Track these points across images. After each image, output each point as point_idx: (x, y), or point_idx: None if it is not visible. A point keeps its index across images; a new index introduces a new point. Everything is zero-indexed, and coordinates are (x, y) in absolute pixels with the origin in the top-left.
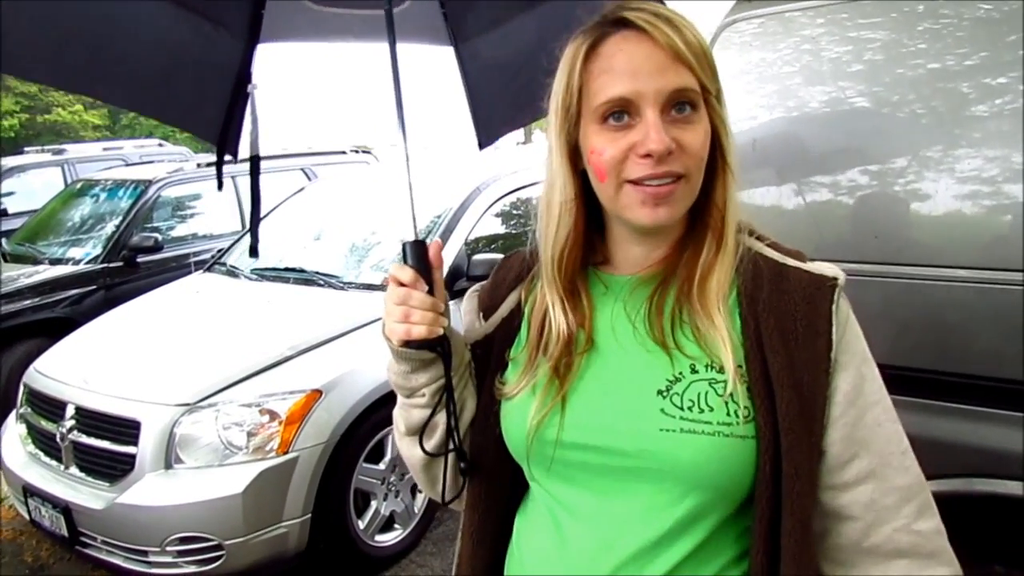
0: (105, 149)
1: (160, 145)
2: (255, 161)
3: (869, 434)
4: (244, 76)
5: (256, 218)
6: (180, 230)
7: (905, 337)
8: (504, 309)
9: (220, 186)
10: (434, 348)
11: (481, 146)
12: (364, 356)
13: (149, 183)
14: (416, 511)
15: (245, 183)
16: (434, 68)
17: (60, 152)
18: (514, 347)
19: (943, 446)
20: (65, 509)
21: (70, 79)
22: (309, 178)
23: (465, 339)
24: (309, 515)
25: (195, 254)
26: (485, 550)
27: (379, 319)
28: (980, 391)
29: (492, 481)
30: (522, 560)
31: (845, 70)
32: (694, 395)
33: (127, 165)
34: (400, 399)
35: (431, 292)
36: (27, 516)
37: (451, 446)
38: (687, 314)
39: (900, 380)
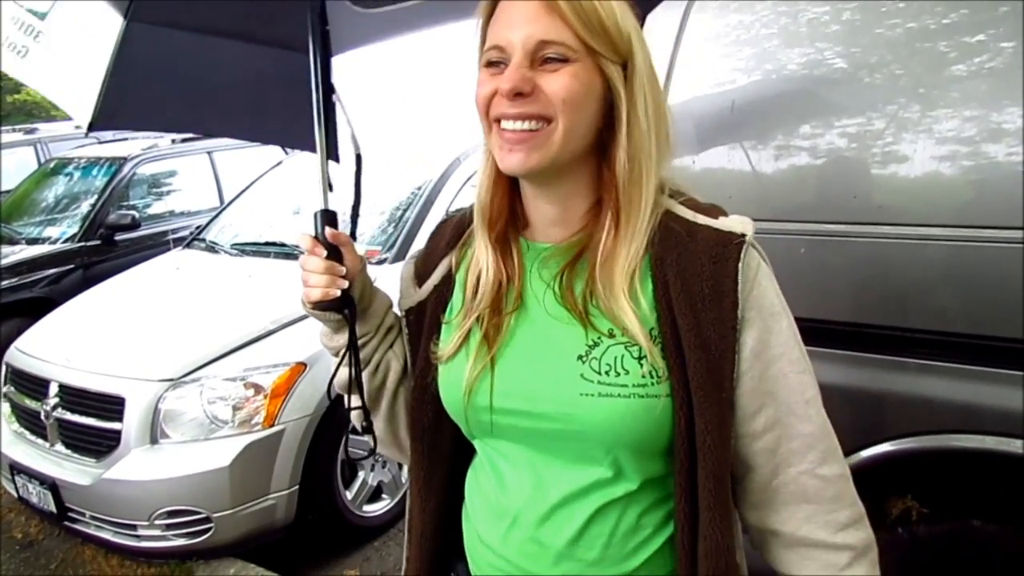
0: (77, 127)
1: None
2: (359, 159)
3: (774, 386)
4: (327, 88)
5: (357, 210)
6: (157, 207)
7: (887, 296)
8: (437, 275)
9: (330, 188)
10: (339, 310)
11: None
12: None
13: (124, 160)
14: (403, 481)
15: (221, 158)
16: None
17: (32, 131)
18: (447, 312)
19: (924, 402)
20: (52, 486)
21: (178, 123)
22: (286, 152)
23: (401, 305)
24: (296, 487)
25: (173, 231)
26: (433, 504)
27: None
28: (959, 348)
29: (432, 439)
30: (474, 512)
31: (823, 31)
32: (611, 359)
33: (101, 143)
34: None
35: (333, 258)
36: (15, 493)
37: (358, 403)
38: (595, 289)
39: (893, 339)
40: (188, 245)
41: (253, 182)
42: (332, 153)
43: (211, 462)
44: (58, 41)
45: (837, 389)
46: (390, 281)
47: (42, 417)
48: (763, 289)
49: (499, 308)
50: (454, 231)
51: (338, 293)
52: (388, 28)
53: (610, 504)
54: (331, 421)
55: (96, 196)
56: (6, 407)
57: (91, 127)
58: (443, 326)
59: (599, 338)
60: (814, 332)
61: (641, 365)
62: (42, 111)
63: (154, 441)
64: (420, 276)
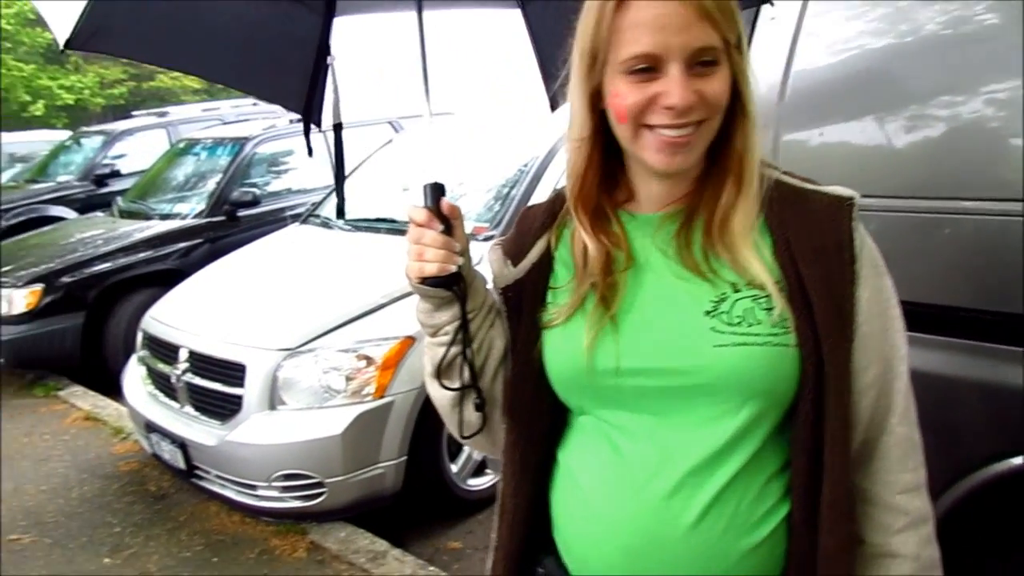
0: (204, 110)
1: (254, 104)
2: (338, 129)
3: (880, 342)
4: (324, 49)
5: (340, 181)
6: (275, 185)
7: None
8: (534, 254)
9: (310, 153)
10: (449, 286)
11: (554, 108)
12: None
13: (245, 140)
14: None
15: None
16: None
17: (164, 115)
18: (552, 282)
19: None
20: (182, 444)
21: (163, 56)
22: (396, 131)
23: (496, 284)
24: (404, 457)
25: (290, 207)
26: (528, 487)
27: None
28: None
29: (531, 417)
30: (579, 488)
31: None
32: (740, 311)
33: (224, 124)
34: (426, 340)
35: (448, 232)
36: (149, 450)
37: (467, 383)
38: (716, 248)
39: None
40: (304, 221)
41: (364, 160)
42: (314, 117)
43: (325, 430)
44: None
45: (978, 386)
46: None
47: (173, 381)
48: (871, 249)
49: (610, 270)
50: (546, 213)
51: (454, 268)
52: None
53: (739, 472)
54: None
55: (220, 175)
56: (142, 370)
57: (67, 44)
58: (549, 293)
59: (724, 293)
60: (964, 323)
61: (770, 315)
62: (174, 96)
63: (272, 407)
64: (513, 257)
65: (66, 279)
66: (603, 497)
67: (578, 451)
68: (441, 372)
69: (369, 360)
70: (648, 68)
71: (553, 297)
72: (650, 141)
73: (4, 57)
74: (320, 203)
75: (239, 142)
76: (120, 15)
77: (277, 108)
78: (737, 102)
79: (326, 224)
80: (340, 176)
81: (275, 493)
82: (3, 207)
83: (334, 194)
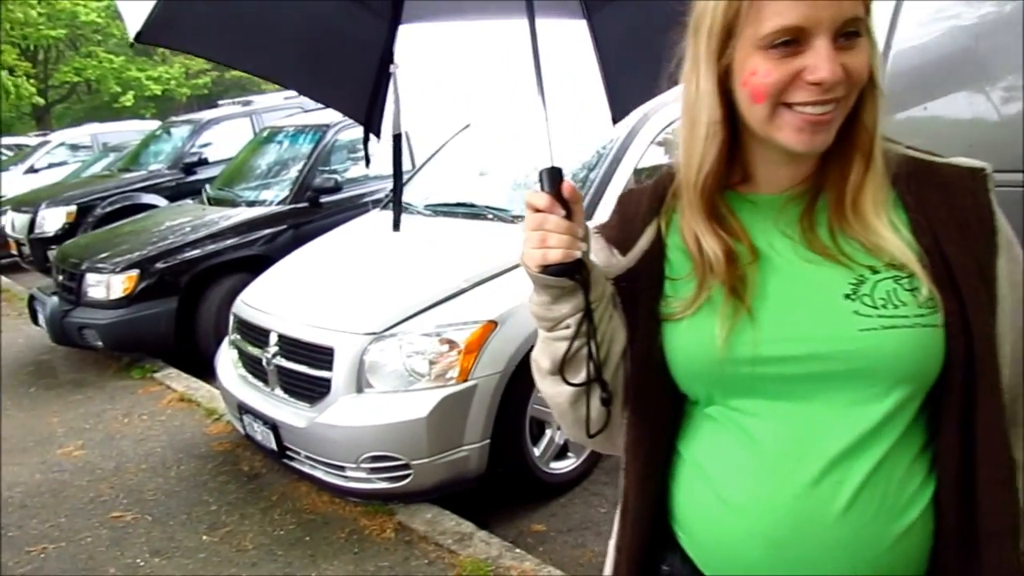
0: (286, 98)
1: None
2: (397, 140)
3: (1017, 315)
4: (387, 56)
5: (398, 192)
6: (355, 171)
7: None
8: (644, 241)
9: (368, 163)
10: (572, 274)
11: (615, 121)
12: None
13: (327, 127)
14: None
15: (412, 129)
16: (559, 45)
17: (248, 103)
18: (668, 271)
19: None
20: (273, 426)
21: (228, 55)
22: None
23: (606, 273)
24: (488, 440)
25: (370, 193)
26: (653, 484)
27: None
28: None
29: (654, 411)
30: (711, 478)
31: None
32: (883, 293)
33: (305, 112)
34: (542, 335)
35: (568, 218)
36: (242, 431)
37: (593, 375)
38: (846, 229)
39: None
40: (385, 207)
41: (443, 145)
42: (374, 127)
43: (410, 412)
44: None
45: None
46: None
47: (264, 363)
48: (1003, 221)
49: (734, 261)
50: (652, 197)
51: (579, 255)
52: (468, 9)
53: (887, 454)
54: (520, 379)
55: (303, 162)
56: (234, 353)
57: (138, 37)
58: (667, 284)
59: (863, 275)
60: None
61: (915, 296)
62: (255, 85)
63: (359, 390)
64: (619, 245)
65: (160, 265)
66: (739, 487)
67: (706, 442)
68: (564, 367)
69: (452, 344)
70: (791, 41)
71: (673, 289)
72: (789, 120)
73: (95, 49)
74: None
75: (321, 129)
76: (189, 12)
77: None
78: (871, 75)
79: (407, 209)
80: (398, 187)
81: (363, 474)
82: (99, 195)
83: (415, 176)
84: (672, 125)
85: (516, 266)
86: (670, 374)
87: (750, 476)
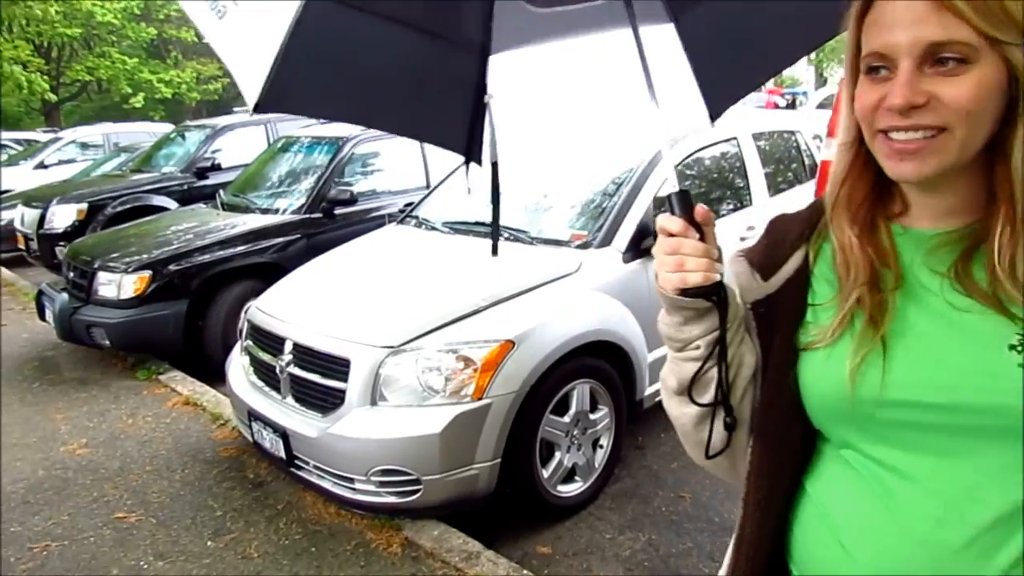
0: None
1: None
2: (494, 167)
3: None
4: (481, 88)
5: (496, 219)
6: (370, 184)
7: None
8: (789, 268)
9: (470, 192)
10: (710, 296)
11: (712, 119)
12: (553, 311)
13: (344, 140)
14: (596, 466)
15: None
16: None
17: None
18: (811, 299)
19: None
20: (283, 434)
21: (337, 112)
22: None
23: (744, 298)
24: (499, 460)
25: (384, 207)
26: (773, 517)
27: (566, 276)
28: None
29: (782, 443)
30: (834, 528)
31: None
32: None
33: (321, 123)
34: (671, 355)
35: (701, 240)
36: (250, 438)
37: (719, 399)
38: (1006, 285)
39: None
40: (401, 221)
41: (461, 164)
42: (474, 156)
43: (424, 428)
44: (247, 9)
45: None
46: (600, 265)
47: (277, 371)
48: None
49: (878, 287)
50: (803, 224)
51: (718, 277)
52: (553, 30)
53: None
54: (533, 400)
55: (319, 172)
56: (246, 359)
57: (256, 108)
58: (809, 310)
59: None
60: None
61: None
62: None
63: (373, 403)
64: (762, 269)
65: (172, 267)
66: (868, 541)
67: (835, 486)
68: (691, 388)
69: (469, 362)
70: (882, 67)
71: (814, 316)
72: (881, 147)
73: (109, 49)
74: (417, 204)
75: (338, 141)
76: (297, 80)
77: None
78: (1015, 109)
79: (424, 225)
80: (496, 214)
81: (372, 487)
82: (110, 195)
83: (432, 194)
84: (694, 155)
85: (534, 287)
86: (803, 407)
87: (881, 532)
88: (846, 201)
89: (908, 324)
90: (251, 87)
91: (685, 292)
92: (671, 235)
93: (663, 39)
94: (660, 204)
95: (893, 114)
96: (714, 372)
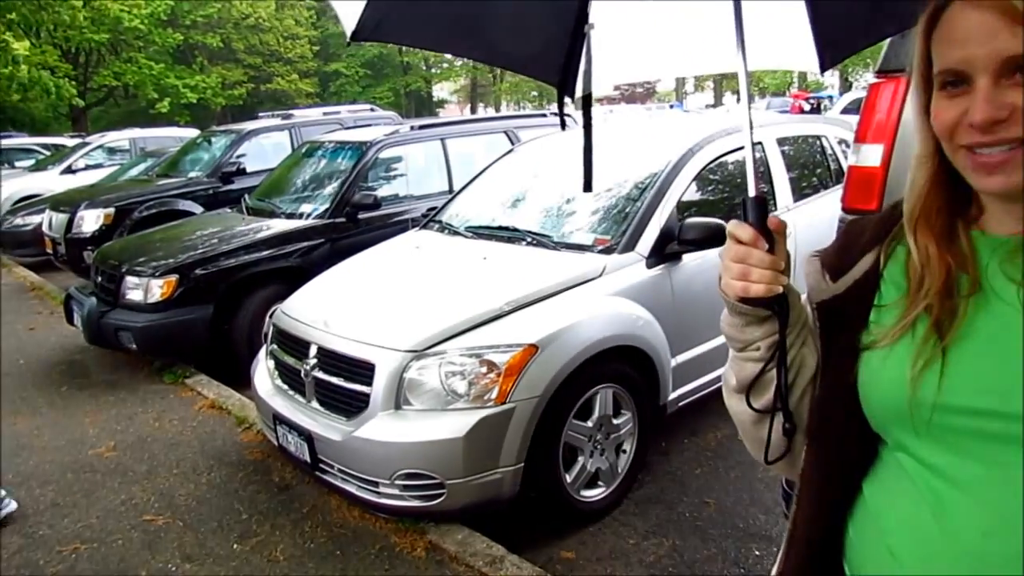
0: (325, 114)
1: (372, 110)
2: (587, 100)
3: None
4: (582, 16)
5: (589, 154)
6: (394, 189)
7: None
8: (858, 270)
9: (563, 126)
10: (771, 306)
11: (823, 69)
12: (576, 316)
13: (369, 145)
14: (620, 471)
15: (452, 146)
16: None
17: (288, 117)
18: (877, 299)
19: None
20: (308, 438)
21: (435, 41)
22: (512, 141)
23: (811, 298)
24: (522, 464)
25: (407, 211)
26: (825, 516)
27: (589, 280)
28: None
29: (838, 444)
30: (884, 531)
31: None
32: None
33: (344, 128)
34: (732, 353)
35: (771, 251)
36: (275, 441)
37: (778, 405)
38: None
39: None
40: (424, 226)
41: (486, 168)
42: (568, 88)
43: (448, 432)
44: None
45: None
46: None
47: (302, 375)
48: None
49: (951, 293)
50: (877, 227)
51: (780, 290)
52: None
53: None
54: (556, 404)
55: (343, 177)
56: (271, 363)
57: (353, 36)
58: (874, 311)
59: None
60: None
61: None
62: (288, 99)
63: (398, 407)
64: (833, 271)
65: (199, 271)
66: (916, 548)
67: (886, 489)
68: (750, 388)
69: (492, 366)
70: (958, 82)
71: (877, 316)
72: (964, 161)
73: (135, 55)
74: (441, 208)
75: (362, 146)
76: (397, 6)
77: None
78: None
79: (447, 229)
80: (588, 148)
81: (396, 491)
82: (137, 199)
83: (457, 197)
84: (719, 160)
85: (557, 291)
86: (861, 409)
87: (928, 539)
88: (926, 212)
89: (975, 329)
90: (350, 15)
91: (746, 300)
92: (740, 243)
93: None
94: (683, 209)
95: (975, 131)
96: (773, 374)
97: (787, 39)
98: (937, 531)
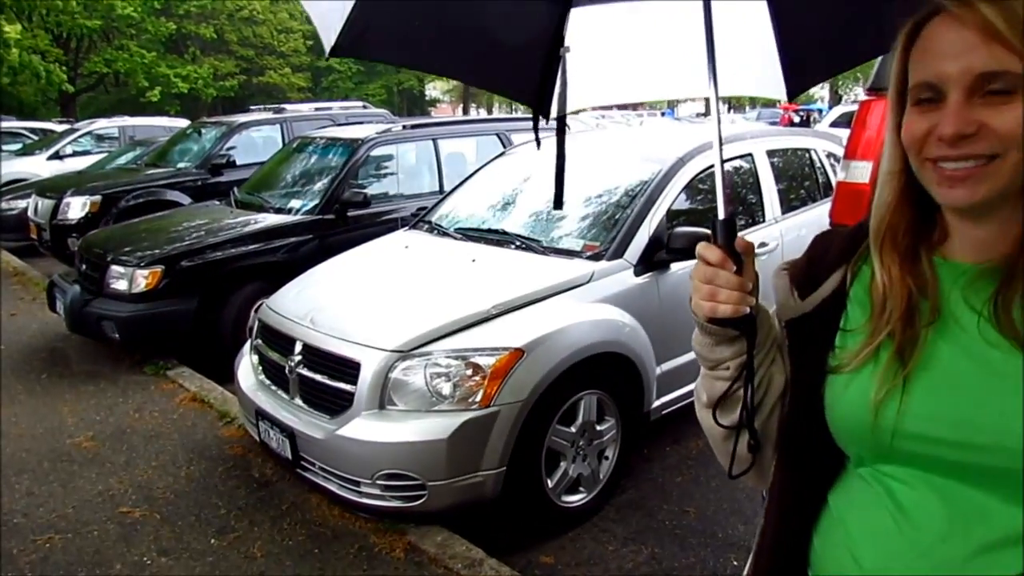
0: (316, 109)
1: (364, 107)
2: (560, 121)
3: None
4: (558, 40)
5: (561, 175)
6: (384, 187)
7: None
8: (826, 288)
9: (538, 145)
10: (739, 326)
11: (790, 97)
12: (563, 321)
13: (360, 142)
14: (601, 477)
15: (445, 146)
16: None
17: (280, 111)
18: (843, 321)
19: None
20: (291, 434)
21: (413, 60)
22: (503, 143)
23: (779, 315)
24: (504, 468)
25: (396, 211)
26: (792, 526)
27: (577, 286)
28: None
29: (805, 459)
30: (850, 537)
31: None
32: None
33: (336, 125)
34: (703, 371)
35: (739, 272)
36: (257, 437)
37: (744, 423)
38: None
39: None
40: (414, 226)
41: (477, 171)
42: (544, 109)
43: (431, 433)
44: None
45: None
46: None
47: (286, 371)
48: None
49: (912, 321)
50: (844, 244)
51: (747, 311)
52: None
53: None
54: (541, 409)
55: (334, 174)
56: (255, 358)
57: (332, 51)
58: (840, 335)
59: None
60: None
61: None
62: (280, 92)
63: (382, 407)
64: (801, 287)
65: (184, 263)
66: (877, 552)
67: (851, 500)
68: (717, 405)
69: (478, 369)
70: (931, 98)
71: (842, 340)
72: (930, 175)
73: (127, 43)
74: (430, 209)
75: (354, 144)
76: (376, 23)
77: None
78: None
79: (436, 230)
80: (561, 166)
81: (377, 491)
82: (124, 188)
83: (448, 198)
84: (708, 171)
85: (545, 296)
86: (827, 426)
87: (888, 543)
88: (890, 230)
89: (935, 358)
90: (329, 30)
91: (714, 320)
92: (709, 264)
93: (753, 8)
94: (673, 218)
95: (943, 144)
96: (741, 392)
97: (756, 66)
98: (896, 535)
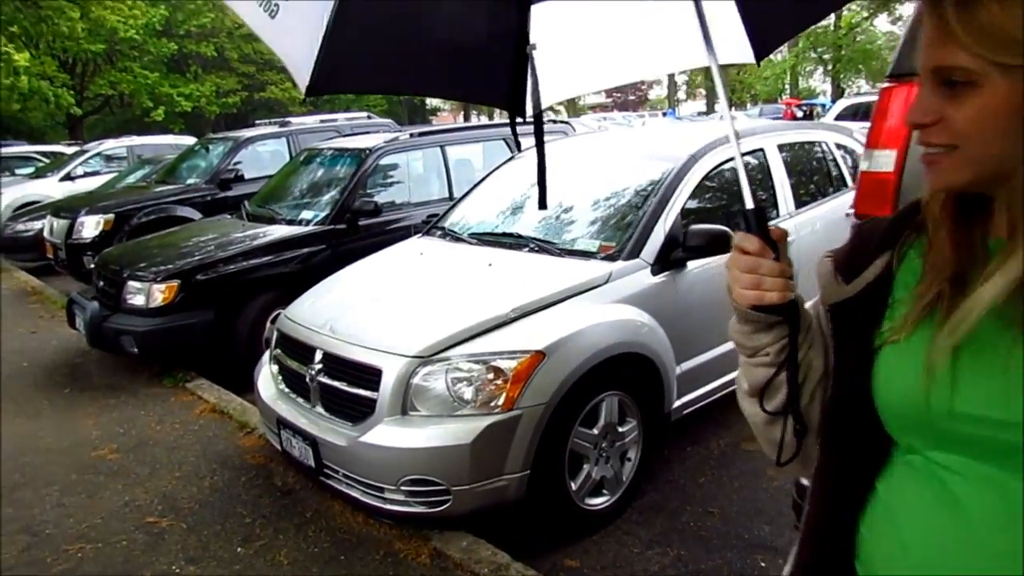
0: (322, 121)
1: (369, 117)
2: (538, 119)
3: None
4: (523, 39)
5: (542, 173)
6: (394, 196)
7: None
8: (871, 273)
9: (519, 148)
10: (782, 312)
11: (758, 59)
12: (582, 322)
13: (369, 152)
14: (624, 479)
15: (453, 152)
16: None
17: (286, 124)
18: (891, 296)
19: None
20: (313, 442)
21: (386, 84)
22: (510, 148)
23: (823, 300)
24: (528, 471)
25: (408, 218)
26: (838, 515)
27: (594, 287)
28: None
29: (850, 444)
30: (898, 527)
31: None
32: None
33: (341, 136)
34: (742, 358)
35: (776, 259)
36: (278, 446)
37: (790, 408)
38: None
39: None
40: (427, 233)
41: (487, 175)
42: (520, 109)
43: (454, 438)
44: (295, 5)
45: None
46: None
47: (307, 380)
48: None
49: (963, 287)
50: (890, 229)
51: (792, 296)
52: None
53: None
54: (563, 411)
55: (344, 184)
56: (275, 367)
57: (309, 91)
58: (888, 311)
59: None
60: None
61: None
62: (282, 107)
63: (404, 413)
64: (845, 272)
65: (200, 276)
66: (928, 543)
67: (901, 487)
68: (761, 393)
69: (499, 372)
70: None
71: (891, 314)
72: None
73: (131, 64)
74: (443, 215)
75: (362, 153)
76: (346, 59)
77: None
78: None
79: (451, 236)
80: (542, 168)
81: (401, 497)
82: (136, 205)
83: (459, 204)
84: (721, 167)
85: (563, 299)
86: (873, 410)
87: (941, 535)
88: (947, 199)
89: (981, 334)
90: (302, 73)
91: (759, 308)
92: (748, 254)
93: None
94: (686, 216)
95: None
96: (783, 378)
97: (721, 36)
98: (950, 527)
